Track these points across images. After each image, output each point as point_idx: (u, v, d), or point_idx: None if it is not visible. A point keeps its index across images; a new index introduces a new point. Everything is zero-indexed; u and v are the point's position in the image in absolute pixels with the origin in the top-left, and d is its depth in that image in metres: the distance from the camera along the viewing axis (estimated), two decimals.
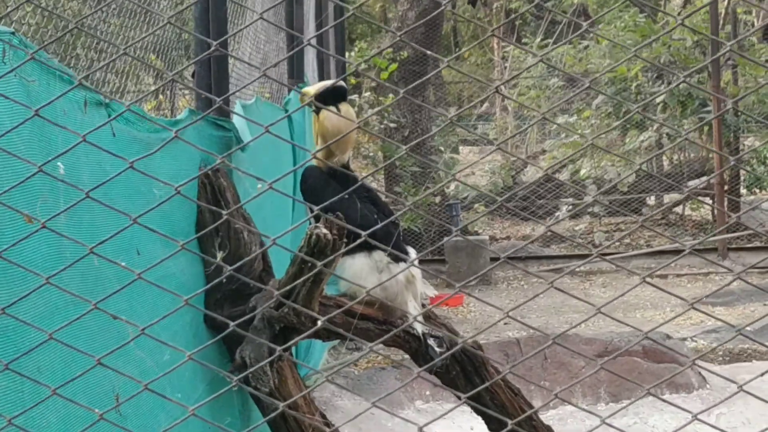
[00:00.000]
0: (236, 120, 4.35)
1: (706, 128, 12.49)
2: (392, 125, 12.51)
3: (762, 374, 1.59)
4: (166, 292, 2.58)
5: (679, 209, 13.69)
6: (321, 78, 8.47)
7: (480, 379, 3.77)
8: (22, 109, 1.99)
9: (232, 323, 1.69)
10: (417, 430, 1.55)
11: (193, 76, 4.02)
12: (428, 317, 3.87)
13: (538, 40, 15.57)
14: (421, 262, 11.11)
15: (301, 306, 3.16)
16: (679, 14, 12.69)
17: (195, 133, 3.52)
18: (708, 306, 9.39)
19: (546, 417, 5.77)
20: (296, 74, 6.92)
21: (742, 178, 12.74)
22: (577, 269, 11.31)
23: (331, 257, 3.04)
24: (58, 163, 2.16)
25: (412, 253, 3.80)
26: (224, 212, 1.79)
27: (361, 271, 3.60)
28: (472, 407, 3.82)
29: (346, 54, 12.03)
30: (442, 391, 6.30)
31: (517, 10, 16.70)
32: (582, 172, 12.97)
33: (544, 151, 15.03)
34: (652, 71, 12.88)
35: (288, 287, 3.19)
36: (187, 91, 5.83)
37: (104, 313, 1.93)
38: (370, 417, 5.92)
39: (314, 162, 3.73)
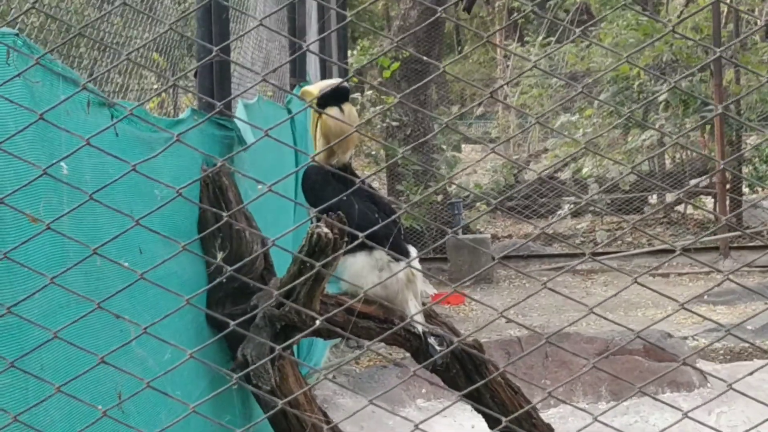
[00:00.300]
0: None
1: (708, 127, 12.49)
2: (394, 124, 12.53)
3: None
4: (168, 291, 2.60)
5: (681, 208, 13.70)
6: (324, 76, 8.48)
7: (481, 378, 3.79)
8: (26, 111, 2.02)
9: (232, 322, 1.71)
10: (414, 427, 1.57)
11: (195, 75, 4.03)
12: (429, 316, 3.90)
13: (540, 38, 15.57)
14: (422, 260, 11.17)
15: (302, 304, 3.18)
16: (681, 14, 12.69)
17: (197, 132, 3.53)
18: (709, 305, 9.40)
19: (547, 415, 5.79)
20: (298, 73, 6.93)
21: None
22: (579, 268, 11.32)
23: (332, 256, 3.06)
24: (62, 164, 2.18)
25: (413, 252, 3.82)
26: (224, 214, 1.81)
27: (362, 270, 3.63)
28: (472, 405, 3.84)
29: (349, 52, 12.04)
30: (444, 390, 6.32)
31: (520, 8, 16.70)
32: (584, 170, 12.99)
33: (546, 150, 15.04)
34: (654, 70, 12.88)
35: (289, 286, 3.21)
36: (190, 89, 5.86)
37: (108, 312, 1.95)
38: (371, 415, 5.94)
39: (315, 161, 3.75)
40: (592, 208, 13.16)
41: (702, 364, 7.18)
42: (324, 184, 3.67)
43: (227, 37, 4.01)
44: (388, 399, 6.41)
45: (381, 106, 12.02)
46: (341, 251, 3.15)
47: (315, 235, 3.08)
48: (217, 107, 1.72)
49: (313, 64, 8.09)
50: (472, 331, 4.36)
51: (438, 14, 1.37)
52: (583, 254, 11.55)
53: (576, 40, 13.79)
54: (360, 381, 6.69)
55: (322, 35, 8.23)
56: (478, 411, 3.83)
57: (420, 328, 3.68)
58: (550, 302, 9.95)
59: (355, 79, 11.30)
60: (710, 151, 12.75)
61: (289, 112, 5.98)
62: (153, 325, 1.74)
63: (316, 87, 3.94)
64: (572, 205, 13.09)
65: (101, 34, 3.98)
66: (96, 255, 1.84)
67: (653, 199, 14.24)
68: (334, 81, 4.05)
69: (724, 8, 12.73)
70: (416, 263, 3.81)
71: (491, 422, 3.83)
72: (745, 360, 7.53)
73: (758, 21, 14.14)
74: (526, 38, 16.96)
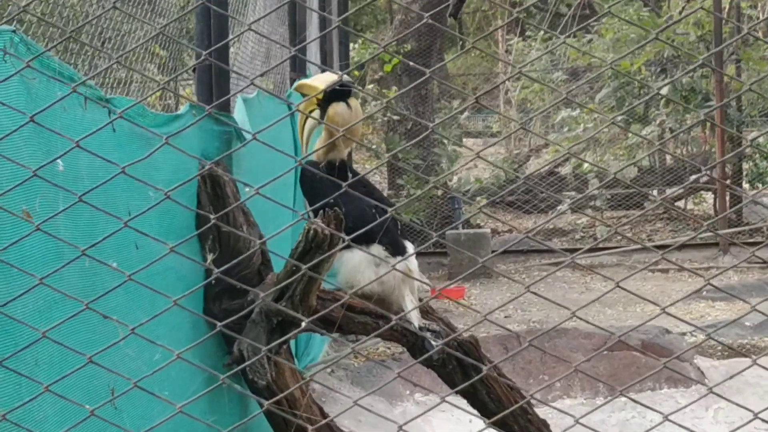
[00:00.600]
0: (237, 112, 4.38)
1: (708, 123, 12.47)
2: (395, 118, 12.53)
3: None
4: (165, 285, 2.62)
5: (681, 203, 13.70)
6: (325, 69, 8.47)
7: (477, 374, 3.80)
8: (22, 107, 2.03)
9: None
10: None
11: (194, 70, 4.04)
12: (426, 311, 3.90)
13: (542, 33, 15.55)
14: (422, 255, 11.18)
15: (299, 300, 3.20)
16: (682, 10, 12.68)
17: (195, 127, 3.54)
18: (708, 301, 9.41)
19: (543, 411, 5.80)
20: (299, 67, 6.93)
21: (744, 173, 12.73)
22: (579, 263, 11.33)
23: (329, 253, 3.07)
24: (58, 161, 2.19)
25: (411, 247, 3.83)
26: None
27: (359, 265, 3.64)
28: (468, 401, 3.86)
29: (350, 45, 12.04)
30: (442, 384, 6.33)
31: (522, 2, 16.68)
32: (585, 165, 12.98)
33: (547, 145, 15.03)
34: (655, 65, 12.88)
35: (286, 281, 3.22)
36: (190, 81, 5.85)
37: (104, 306, 1.96)
38: (369, 409, 5.96)
39: (313, 157, 3.75)
40: (592, 203, 13.16)
41: (700, 361, 7.19)
42: (321, 180, 3.67)
43: (226, 31, 4.01)
44: (387, 393, 6.43)
45: (383, 100, 12.02)
46: (338, 248, 3.16)
47: (311, 231, 3.10)
48: (207, 110, 1.73)
49: (313, 57, 8.09)
50: (468, 327, 4.37)
51: (424, 20, 1.38)
52: (585, 249, 11.56)
53: (577, 35, 13.78)
54: (358, 375, 6.71)
55: (324, 32, 8.22)
56: (474, 406, 3.84)
57: (416, 324, 3.69)
58: (550, 297, 9.95)
59: (356, 73, 11.30)
60: (710, 147, 12.75)
61: (289, 107, 5.97)
62: (141, 325, 1.75)
63: (314, 81, 3.94)
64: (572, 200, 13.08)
65: (100, 29, 3.98)
66: (92, 250, 1.86)
67: (654, 194, 14.23)
68: (334, 75, 4.04)
69: (726, 4, 12.71)
70: (413, 259, 3.81)
71: (487, 417, 3.84)
72: (744, 356, 7.54)
73: (760, 16, 14.13)
74: (528, 33, 16.93)
